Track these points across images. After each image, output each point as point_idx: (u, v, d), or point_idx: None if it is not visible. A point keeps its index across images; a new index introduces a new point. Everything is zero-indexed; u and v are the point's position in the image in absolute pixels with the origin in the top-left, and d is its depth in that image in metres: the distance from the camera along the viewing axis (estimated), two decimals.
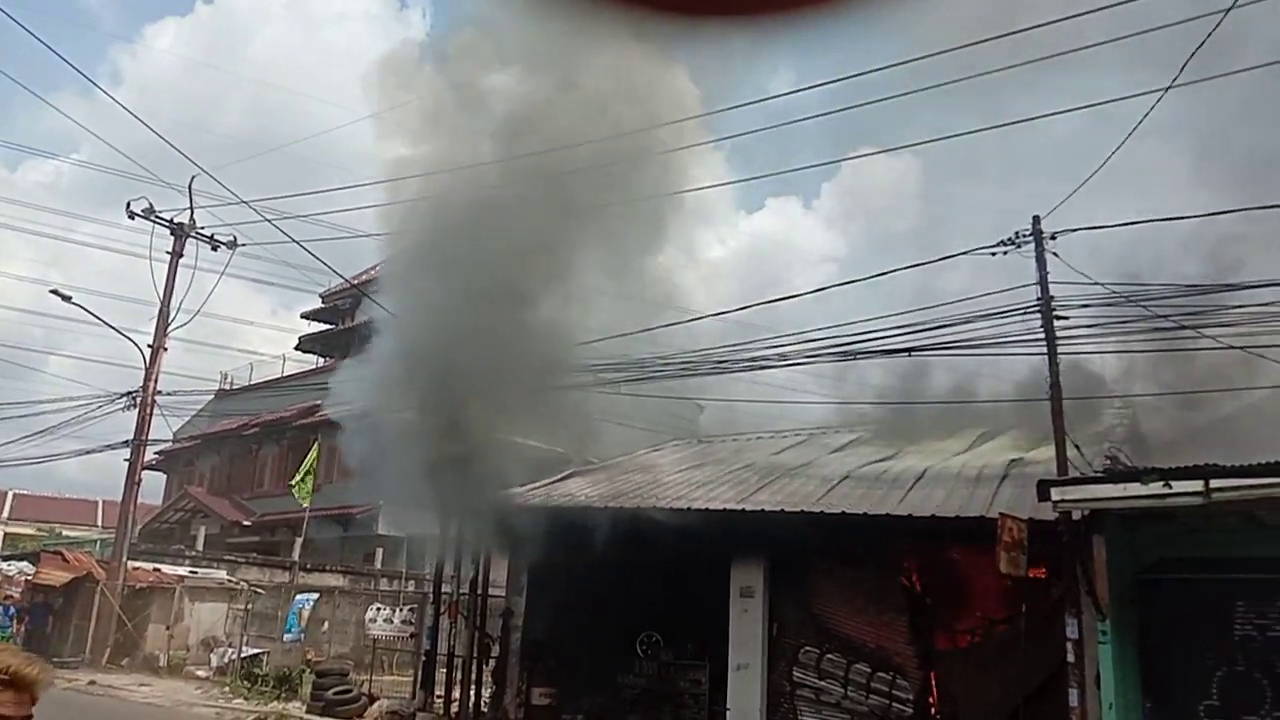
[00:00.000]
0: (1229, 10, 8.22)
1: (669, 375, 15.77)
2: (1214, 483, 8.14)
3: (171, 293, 22.37)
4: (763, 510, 12.45)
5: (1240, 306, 10.56)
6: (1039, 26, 10.20)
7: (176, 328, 22.48)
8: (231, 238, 22.16)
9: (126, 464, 23.16)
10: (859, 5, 1.20)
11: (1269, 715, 9.50)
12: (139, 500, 24.33)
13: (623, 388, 16.20)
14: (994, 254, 11.26)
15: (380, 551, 27.97)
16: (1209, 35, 8.43)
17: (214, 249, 21.40)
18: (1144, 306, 10.29)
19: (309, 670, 18.69)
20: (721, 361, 14.88)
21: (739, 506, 12.73)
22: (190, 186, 18.70)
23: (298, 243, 12.20)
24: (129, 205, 20.93)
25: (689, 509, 12.90)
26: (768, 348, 13.81)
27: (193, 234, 21.71)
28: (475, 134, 13.12)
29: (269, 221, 12.20)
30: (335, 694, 15.80)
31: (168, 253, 22.08)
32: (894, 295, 13.06)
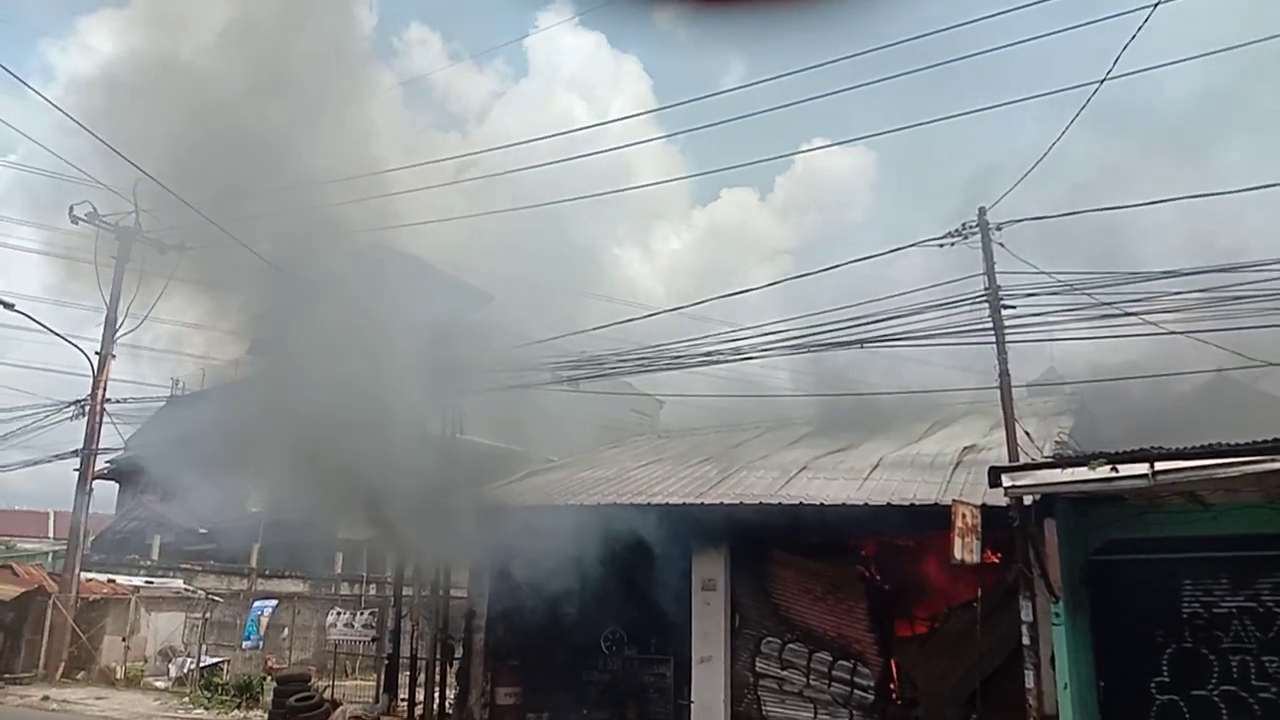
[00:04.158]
0: (1156, 7, 8.43)
1: (626, 371, 15.78)
2: (1158, 465, 8.33)
3: (118, 298, 21.94)
4: (722, 503, 12.54)
5: (1180, 293, 10.82)
6: (996, 15, 10.40)
7: (124, 334, 22.04)
8: (180, 241, 21.71)
9: (77, 474, 22.67)
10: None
11: (1216, 689, 9.79)
12: (92, 510, 23.82)
13: (581, 385, 16.19)
14: (942, 245, 11.43)
15: (340, 556, 27.69)
16: (1140, 29, 8.65)
17: (161, 253, 20.97)
18: (1088, 294, 10.52)
19: (269, 678, 18.48)
20: (678, 356, 14.91)
21: (698, 500, 12.79)
22: (135, 189, 18.26)
23: (244, 245, 11.94)
24: (71, 209, 20.44)
25: (649, 504, 12.94)
26: (722, 342, 13.88)
27: (139, 238, 21.27)
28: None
29: (214, 224, 11.93)
30: (297, 700, 15.62)
31: (113, 257, 21.62)
32: (850, 287, 13.16)
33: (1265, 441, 8.12)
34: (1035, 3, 10.15)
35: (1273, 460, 7.94)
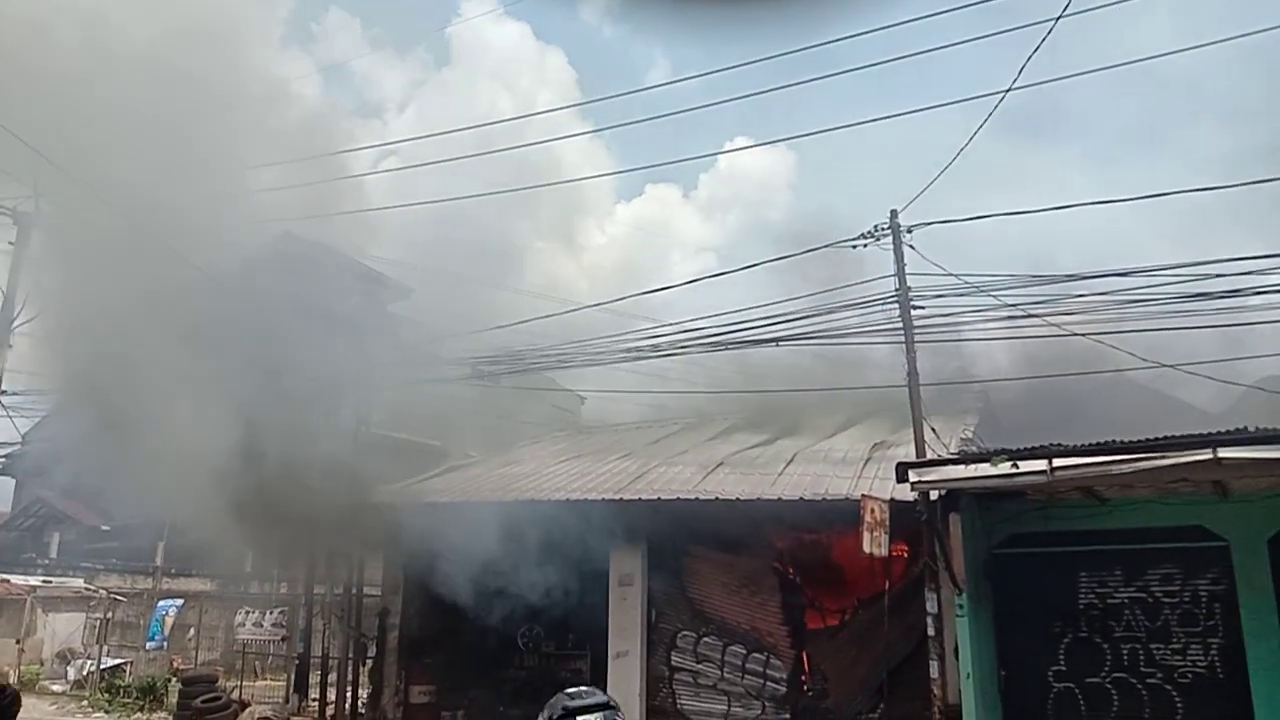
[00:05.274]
0: (1061, 15, 8.74)
1: (546, 366, 15.72)
2: (1056, 462, 8.64)
3: (16, 286, 20.99)
4: (639, 499, 12.58)
5: (1082, 295, 11.24)
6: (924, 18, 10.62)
7: (23, 323, 21.08)
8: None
9: None
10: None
11: (1109, 677, 10.22)
12: None
13: (501, 380, 16.05)
14: (855, 246, 11.67)
15: (250, 554, 26.95)
16: (1046, 36, 8.96)
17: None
18: (994, 296, 10.86)
19: (175, 679, 17.94)
20: (599, 352, 14.91)
21: (616, 496, 12.81)
22: (34, 172, 17.46)
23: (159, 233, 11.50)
24: None
25: (567, 500, 12.92)
26: (643, 338, 13.93)
27: (37, 223, 20.36)
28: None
29: (123, 213, 11.49)
30: (203, 701, 15.18)
31: (10, 243, 20.68)
32: (769, 285, 13.35)
33: (1156, 439, 8.47)
34: (965, 6, 10.40)
35: (1163, 457, 8.30)
